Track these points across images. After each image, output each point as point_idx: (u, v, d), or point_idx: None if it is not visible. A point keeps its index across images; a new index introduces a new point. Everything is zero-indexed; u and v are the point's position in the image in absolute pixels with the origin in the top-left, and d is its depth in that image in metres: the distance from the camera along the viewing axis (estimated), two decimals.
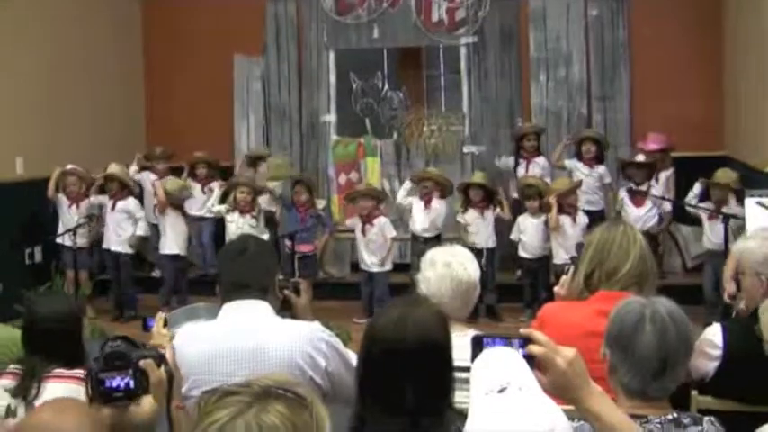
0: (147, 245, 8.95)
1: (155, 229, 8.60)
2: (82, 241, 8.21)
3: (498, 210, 8.06)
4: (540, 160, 8.60)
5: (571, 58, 9.23)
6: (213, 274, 8.06)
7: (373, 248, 7.95)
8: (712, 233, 7.34)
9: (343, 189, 9.28)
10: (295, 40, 9.75)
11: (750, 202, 5.62)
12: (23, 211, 8.23)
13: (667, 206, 8.12)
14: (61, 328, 3.17)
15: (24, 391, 3.02)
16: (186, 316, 3.09)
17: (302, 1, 9.69)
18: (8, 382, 3.08)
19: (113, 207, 8.31)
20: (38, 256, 8.45)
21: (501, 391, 1.74)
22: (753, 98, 7.69)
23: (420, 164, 9.17)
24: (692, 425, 2.15)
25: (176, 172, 8.97)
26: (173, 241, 8.30)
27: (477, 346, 1.89)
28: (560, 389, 1.86)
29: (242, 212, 7.98)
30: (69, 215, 8.23)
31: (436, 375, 2.21)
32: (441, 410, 2.19)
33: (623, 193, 8.06)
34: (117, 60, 9.70)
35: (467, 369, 1.90)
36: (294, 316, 3.05)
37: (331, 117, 9.69)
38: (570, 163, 8.45)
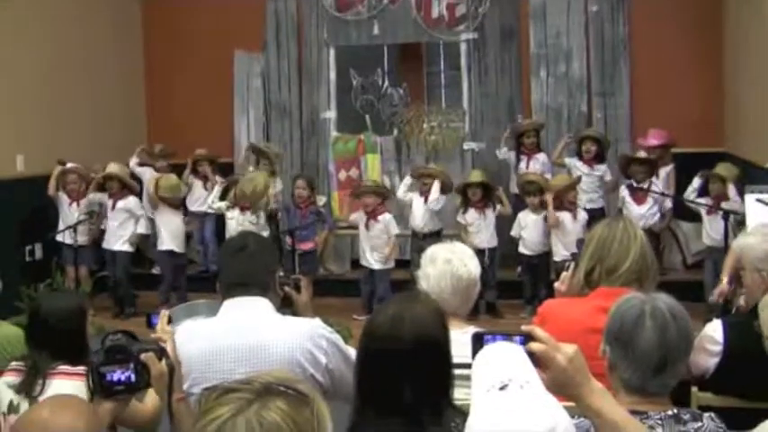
0: (146, 242, 8.96)
1: (154, 225, 8.61)
2: (82, 239, 8.22)
3: (499, 206, 8.06)
4: (541, 156, 8.60)
5: (571, 55, 9.23)
6: (214, 271, 8.10)
7: (376, 245, 7.95)
8: (711, 228, 7.34)
9: (344, 186, 9.28)
10: (295, 37, 9.75)
11: (750, 199, 5.61)
12: (24, 208, 8.24)
13: (668, 202, 8.12)
14: (65, 325, 3.17)
15: (28, 387, 3.02)
16: (186, 313, 3.09)
17: None
18: (12, 378, 3.08)
19: (113, 206, 8.32)
20: (38, 253, 8.46)
21: (502, 388, 1.74)
22: (753, 94, 7.69)
23: (420, 160, 9.17)
24: (691, 421, 2.15)
25: (178, 169, 8.97)
26: (167, 238, 8.30)
27: (478, 342, 1.89)
28: (561, 386, 1.86)
29: (242, 209, 7.98)
30: (70, 213, 8.24)
31: (434, 372, 2.21)
32: (440, 407, 2.18)
33: (624, 191, 8.05)
34: (117, 57, 9.70)
35: (467, 366, 1.90)
36: (294, 313, 3.05)
37: (331, 113, 9.68)
38: (570, 161, 8.45)
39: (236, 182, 8.15)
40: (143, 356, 2.21)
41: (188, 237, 8.75)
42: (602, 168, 8.39)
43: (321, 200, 8.68)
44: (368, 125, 9.55)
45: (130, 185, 8.45)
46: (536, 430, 1.68)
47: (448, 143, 9.30)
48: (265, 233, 7.71)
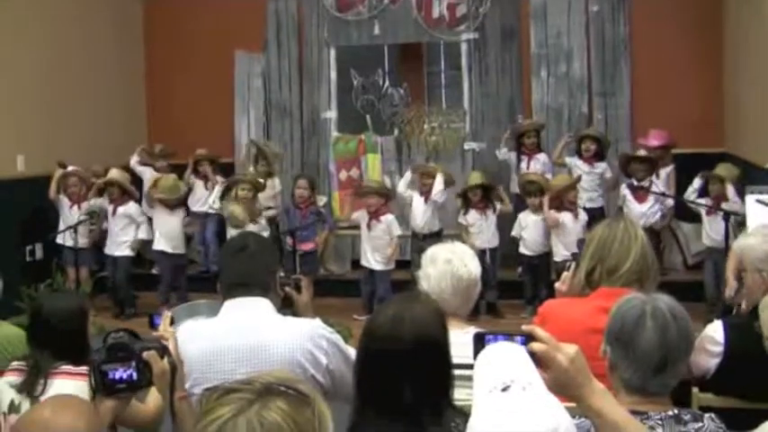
0: (147, 244, 8.95)
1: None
2: (83, 241, 8.22)
3: (499, 205, 8.06)
4: (542, 157, 8.61)
5: (572, 55, 9.23)
6: (215, 271, 8.10)
7: (377, 245, 7.95)
8: (711, 229, 7.34)
9: (344, 186, 9.28)
10: (296, 37, 9.75)
11: (750, 199, 5.61)
12: (24, 209, 8.24)
13: (669, 202, 8.12)
14: (67, 325, 3.18)
15: (30, 387, 3.03)
16: (187, 313, 3.09)
17: None
18: (13, 378, 3.08)
19: (114, 212, 8.32)
20: (38, 254, 8.46)
21: (505, 389, 1.74)
22: (753, 94, 7.69)
23: (421, 161, 9.16)
24: (692, 421, 2.15)
25: (178, 169, 8.97)
26: (161, 238, 8.30)
27: (479, 343, 1.89)
28: (562, 386, 1.86)
29: None
30: (70, 216, 8.24)
31: (434, 372, 2.21)
32: (440, 408, 2.18)
33: (625, 190, 8.06)
34: (118, 57, 9.70)
35: (468, 366, 1.90)
36: (295, 313, 3.05)
37: (332, 113, 9.68)
38: (570, 160, 8.46)
39: (237, 182, 8.15)
40: (145, 355, 2.21)
41: (189, 238, 8.74)
42: (602, 166, 8.39)
43: (322, 200, 8.68)
44: (368, 125, 9.55)
45: (130, 192, 8.45)
46: (538, 431, 1.68)
47: (448, 143, 9.30)
48: (266, 233, 7.72)
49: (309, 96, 9.73)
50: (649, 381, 2.19)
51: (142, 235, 8.40)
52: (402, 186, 8.30)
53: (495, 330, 1.96)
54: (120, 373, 2.17)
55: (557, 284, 3.38)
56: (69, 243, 8.11)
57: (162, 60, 10.05)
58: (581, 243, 3.31)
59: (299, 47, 9.74)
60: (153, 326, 2.99)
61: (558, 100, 9.25)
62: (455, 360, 2.25)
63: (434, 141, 9.30)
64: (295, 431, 1.37)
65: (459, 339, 2.40)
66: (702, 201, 7.55)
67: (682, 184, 8.09)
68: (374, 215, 7.93)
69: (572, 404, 1.91)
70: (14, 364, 3.15)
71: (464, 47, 9.40)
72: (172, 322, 2.69)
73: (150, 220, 8.57)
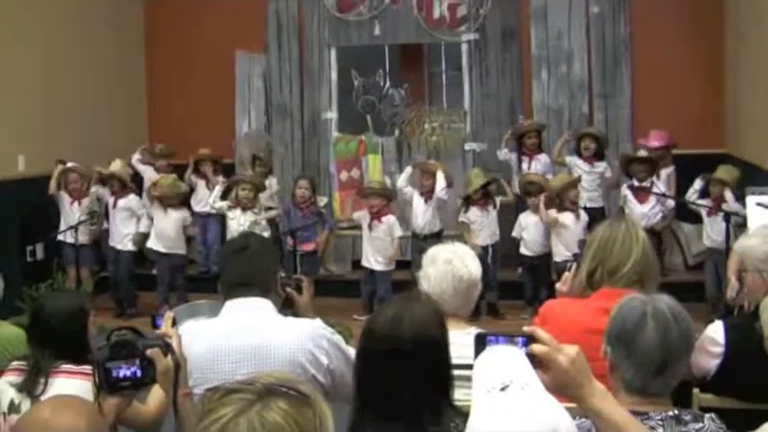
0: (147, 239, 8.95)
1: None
2: (83, 238, 8.23)
3: (499, 198, 8.07)
4: (542, 157, 8.61)
5: (572, 56, 9.23)
6: (215, 272, 8.10)
7: (378, 246, 7.95)
8: (712, 230, 7.34)
9: (345, 186, 9.28)
10: (296, 37, 9.75)
11: (751, 202, 5.61)
12: (25, 209, 8.25)
13: (670, 203, 8.12)
14: (68, 325, 3.18)
15: (30, 386, 3.03)
16: (188, 313, 3.09)
17: None
18: (13, 378, 3.09)
19: (115, 204, 8.33)
20: (39, 254, 8.46)
21: (503, 389, 1.74)
22: (754, 95, 7.69)
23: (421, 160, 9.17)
24: (692, 422, 2.15)
25: (179, 169, 8.97)
26: (155, 237, 8.29)
27: (481, 343, 1.89)
28: (563, 387, 1.86)
29: (243, 209, 7.99)
30: (71, 212, 8.24)
31: (434, 373, 2.21)
32: (439, 408, 2.18)
33: (626, 190, 8.06)
34: (118, 58, 9.70)
35: (469, 367, 1.90)
36: (296, 313, 3.05)
37: (332, 114, 9.68)
38: (570, 160, 8.46)
39: (238, 182, 8.16)
40: (149, 352, 2.21)
41: (189, 238, 8.72)
42: (602, 166, 8.40)
43: (322, 200, 8.68)
44: (369, 126, 9.55)
45: (130, 187, 8.46)
46: (537, 430, 1.68)
47: (449, 144, 9.30)
48: (267, 233, 7.73)
49: (310, 97, 9.73)
50: (650, 381, 2.19)
51: (143, 228, 8.38)
52: (402, 181, 8.30)
53: (497, 331, 1.96)
54: (124, 370, 2.17)
55: (557, 285, 3.38)
56: (70, 240, 8.11)
57: (162, 60, 10.04)
58: (582, 243, 3.31)
59: (300, 47, 9.74)
60: (155, 327, 2.99)
61: (558, 101, 9.25)
62: (456, 360, 2.25)
63: (435, 142, 9.31)
64: (296, 431, 1.37)
65: (460, 340, 2.40)
66: (703, 202, 7.55)
67: (682, 184, 8.09)
68: (376, 216, 7.93)
69: (572, 405, 1.91)
70: (14, 363, 3.15)
71: (465, 47, 9.40)
72: (174, 323, 2.69)
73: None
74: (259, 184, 8.23)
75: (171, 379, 2.28)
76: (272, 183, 8.94)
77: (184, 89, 9.80)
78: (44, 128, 8.44)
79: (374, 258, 7.96)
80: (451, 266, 3.02)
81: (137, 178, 8.93)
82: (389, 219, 7.96)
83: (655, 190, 7.92)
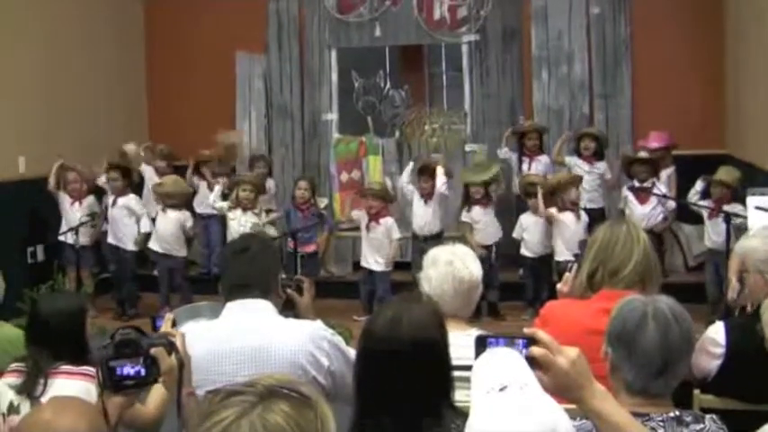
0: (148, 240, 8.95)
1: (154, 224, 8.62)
2: (84, 239, 8.23)
3: (495, 191, 8.09)
4: (543, 158, 8.61)
5: (573, 56, 9.22)
6: (215, 273, 8.10)
7: (376, 247, 7.96)
8: (713, 231, 7.33)
9: (345, 187, 9.28)
10: (297, 38, 9.75)
11: (751, 203, 5.61)
12: (25, 210, 8.24)
13: (671, 204, 8.12)
14: (66, 326, 3.18)
15: (30, 387, 3.03)
16: (189, 315, 3.09)
17: None
18: (13, 379, 3.09)
19: (114, 203, 8.34)
20: (40, 255, 8.46)
21: (502, 389, 1.74)
22: (754, 95, 7.68)
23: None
24: (693, 423, 2.15)
25: (180, 170, 8.97)
26: (157, 239, 8.28)
27: (481, 345, 1.89)
28: (563, 388, 1.86)
29: (244, 210, 7.99)
30: (72, 213, 8.24)
31: (434, 374, 2.21)
32: (439, 409, 2.18)
33: (627, 191, 8.06)
34: (119, 58, 9.70)
35: (469, 368, 1.90)
36: (296, 315, 3.05)
37: (333, 115, 9.68)
38: (570, 160, 8.46)
39: (238, 183, 8.16)
40: (153, 351, 2.21)
41: (190, 240, 8.71)
42: (601, 167, 8.40)
43: (323, 202, 8.69)
44: (369, 127, 9.55)
45: (132, 176, 8.45)
46: (536, 430, 1.68)
47: (449, 145, 9.30)
48: (272, 232, 7.76)
49: (310, 98, 9.72)
50: (651, 382, 2.19)
51: (143, 229, 8.38)
52: (405, 177, 8.31)
53: (497, 333, 1.96)
54: (128, 368, 2.17)
55: (558, 285, 3.39)
56: (70, 241, 8.11)
57: (163, 61, 10.04)
58: (582, 244, 3.32)
59: (301, 48, 9.73)
60: (155, 328, 3.00)
61: (558, 101, 9.25)
62: (456, 361, 2.25)
63: (435, 143, 9.30)
64: None
65: (460, 341, 2.40)
66: (704, 203, 7.54)
67: (683, 185, 8.09)
68: (374, 217, 7.94)
69: (572, 406, 1.91)
70: (13, 365, 3.15)
71: (465, 48, 9.40)
72: (174, 324, 2.70)
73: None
74: (260, 184, 8.23)
75: (175, 378, 2.28)
76: (270, 185, 8.95)
77: (185, 90, 9.80)
78: (44, 128, 8.43)
79: (373, 259, 7.97)
80: (452, 268, 3.02)
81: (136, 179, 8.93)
82: (387, 221, 7.96)
83: (656, 191, 7.92)
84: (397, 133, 9.47)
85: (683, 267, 8.66)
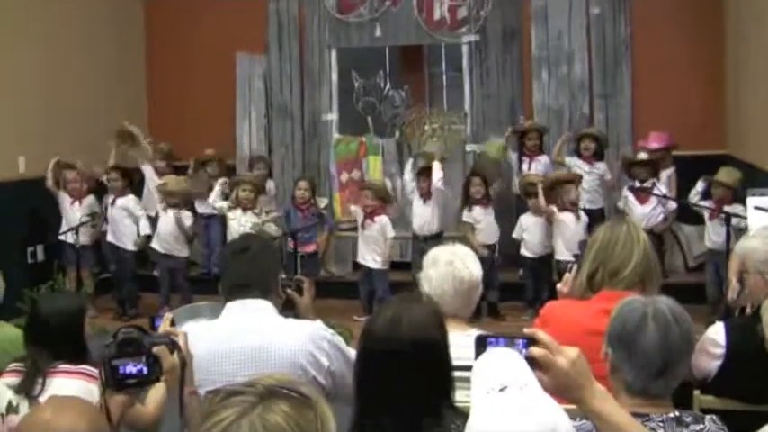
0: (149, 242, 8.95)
1: (154, 224, 8.61)
2: (84, 239, 8.22)
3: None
4: (543, 159, 8.61)
5: (573, 56, 9.22)
6: (215, 273, 8.10)
7: (371, 244, 7.97)
8: (714, 231, 7.33)
9: (345, 187, 9.28)
10: (297, 39, 9.74)
11: (751, 203, 5.61)
12: (26, 210, 8.24)
13: (671, 205, 8.12)
14: (65, 326, 3.19)
15: (28, 387, 3.03)
16: (188, 315, 3.09)
17: None
18: (12, 379, 3.09)
19: (113, 203, 8.33)
20: (40, 255, 8.46)
21: (502, 390, 1.74)
22: (754, 95, 7.69)
23: (421, 162, 9.17)
24: (693, 423, 2.15)
25: (180, 170, 8.97)
26: (158, 239, 8.28)
27: (481, 345, 1.89)
28: (563, 388, 1.86)
29: (244, 210, 7.99)
30: (72, 213, 8.24)
31: (433, 374, 2.21)
32: (440, 409, 2.18)
33: (627, 192, 8.06)
34: (119, 59, 9.70)
35: (469, 368, 1.90)
36: (296, 315, 3.05)
37: (333, 115, 9.68)
38: (570, 160, 8.46)
39: (238, 183, 8.16)
40: (155, 349, 2.21)
41: (191, 239, 8.71)
42: (601, 167, 8.40)
43: (323, 202, 8.69)
44: (369, 127, 9.55)
45: (131, 178, 8.45)
46: (536, 430, 1.68)
47: (449, 145, 9.29)
48: (272, 231, 7.76)
49: (310, 98, 9.72)
50: (651, 383, 2.19)
51: (143, 231, 8.38)
52: (407, 174, 8.31)
53: (497, 333, 1.96)
54: (131, 367, 2.17)
55: (558, 285, 3.39)
56: (70, 240, 8.11)
57: (163, 61, 10.05)
58: (583, 244, 3.32)
59: (301, 48, 9.73)
60: (154, 328, 3.00)
61: (559, 101, 9.25)
62: (456, 362, 2.25)
63: (435, 143, 9.29)
64: None
65: (460, 341, 2.40)
66: (705, 203, 7.54)
67: (683, 186, 8.08)
68: (369, 216, 7.95)
69: (572, 406, 1.91)
70: (12, 365, 3.16)
71: (465, 49, 9.39)
72: (172, 324, 2.70)
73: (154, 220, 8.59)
74: (259, 184, 8.23)
75: (177, 376, 2.29)
76: (270, 186, 8.95)
77: (185, 90, 9.80)
78: (44, 128, 8.43)
79: (370, 257, 7.97)
80: (453, 268, 3.02)
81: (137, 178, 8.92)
82: (382, 219, 7.97)
83: (656, 191, 7.92)
84: (397, 133, 9.47)
85: (683, 268, 8.66)
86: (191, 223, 8.33)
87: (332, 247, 9.07)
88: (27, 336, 3.27)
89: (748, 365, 3.07)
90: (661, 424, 2.14)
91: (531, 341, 1.87)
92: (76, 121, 8.88)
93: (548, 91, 9.28)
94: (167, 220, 8.22)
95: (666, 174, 8.27)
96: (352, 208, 8.35)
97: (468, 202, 8.07)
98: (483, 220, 8.02)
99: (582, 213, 7.79)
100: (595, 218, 7.57)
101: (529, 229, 8.01)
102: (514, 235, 8.13)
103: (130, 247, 8.38)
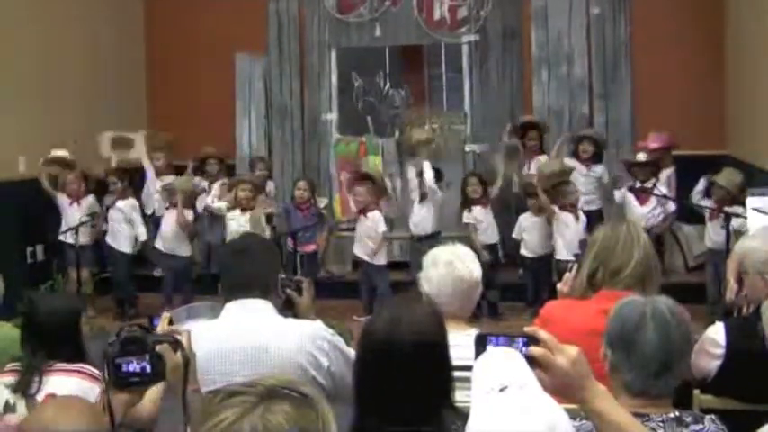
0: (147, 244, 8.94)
1: (155, 223, 8.60)
2: (84, 239, 8.21)
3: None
4: (543, 158, 8.60)
5: (573, 57, 9.22)
6: (215, 273, 8.08)
7: (363, 238, 7.98)
8: (714, 231, 7.33)
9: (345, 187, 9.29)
10: (297, 38, 9.74)
11: (751, 204, 5.61)
12: (25, 210, 8.23)
13: (671, 205, 8.12)
14: (61, 326, 3.19)
15: (24, 386, 3.04)
16: (188, 314, 3.09)
17: None
18: (9, 379, 3.10)
19: (113, 204, 8.34)
20: (40, 255, 8.45)
21: (502, 389, 1.74)
22: (755, 96, 7.69)
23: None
24: (693, 423, 2.15)
25: (180, 170, 8.97)
26: (161, 238, 8.28)
27: (481, 344, 1.89)
28: (563, 388, 1.86)
29: (243, 210, 7.99)
30: (71, 213, 8.23)
31: (433, 375, 2.20)
32: (439, 410, 2.18)
33: (627, 192, 8.06)
34: (119, 59, 9.71)
35: (469, 368, 1.90)
36: (296, 315, 3.05)
37: (333, 115, 9.68)
38: (568, 162, 8.45)
39: (237, 183, 8.16)
40: (158, 348, 2.22)
41: (192, 238, 8.70)
42: (598, 171, 8.41)
43: (322, 202, 8.69)
44: (369, 127, 9.56)
45: (132, 179, 8.44)
46: (536, 430, 1.68)
47: (449, 145, 9.30)
48: (267, 233, 7.75)
49: (310, 98, 9.72)
50: (651, 383, 2.19)
51: (141, 238, 8.38)
52: (411, 173, 8.31)
53: (497, 332, 1.96)
54: (134, 365, 2.18)
55: (558, 285, 3.39)
56: (70, 240, 8.10)
57: (163, 62, 10.05)
58: (583, 244, 3.32)
59: (301, 48, 9.73)
60: (152, 328, 3.00)
61: (558, 102, 9.24)
62: (456, 362, 2.25)
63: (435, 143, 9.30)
64: None
65: (460, 341, 2.40)
66: (706, 203, 7.54)
67: (684, 186, 8.08)
68: (362, 211, 7.96)
69: (572, 405, 1.91)
70: (10, 365, 3.17)
71: (465, 49, 9.39)
72: (170, 323, 2.71)
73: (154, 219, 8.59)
74: (259, 184, 8.23)
75: (180, 375, 2.29)
76: (270, 187, 8.95)
77: (185, 91, 9.80)
78: (44, 129, 8.43)
79: (363, 251, 7.99)
80: (453, 267, 3.02)
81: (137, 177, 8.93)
82: (375, 215, 7.97)
83: (656, 192, 7.92)
84: (397, 133, 9.47)
85: (683, 268, 8.65)
86: (190, 218, 8.31)
87: (331, 247, 9.06)
88: (23, 336, 3.28)
89: (748, 365, 3.07)
90: (661, 424, 2.14)
91: (532, 340, 1.87)
92: (77, 122, 8.88)
93: (548, 91, 9.27)
94: (169, 219, 8.23)
95: (666, 174, 8.27)
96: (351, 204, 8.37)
97: (466, 202, 8.06)
98: (484, 221, 8.02)
99: (581, 214, 7.79)
100: (594, 219, 7.57)
101: (528, 229, 8.01)
102: (514, 235, 8.13)
103: (126, 249, 8.37)
